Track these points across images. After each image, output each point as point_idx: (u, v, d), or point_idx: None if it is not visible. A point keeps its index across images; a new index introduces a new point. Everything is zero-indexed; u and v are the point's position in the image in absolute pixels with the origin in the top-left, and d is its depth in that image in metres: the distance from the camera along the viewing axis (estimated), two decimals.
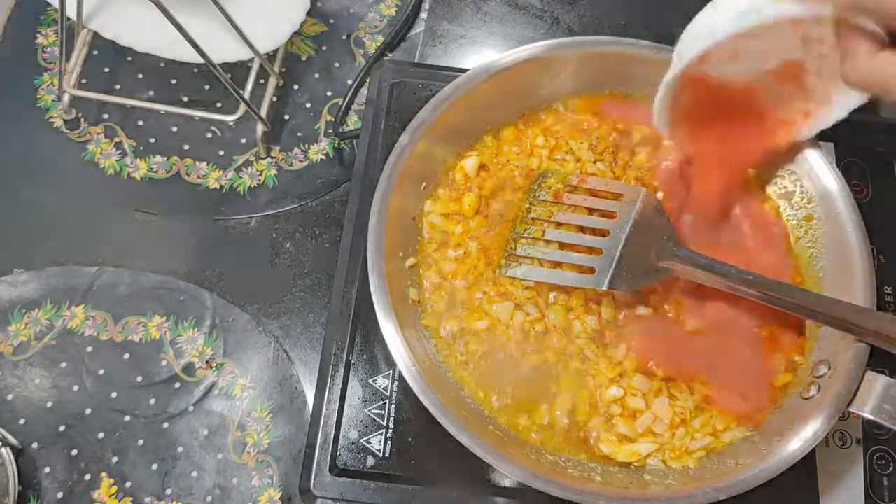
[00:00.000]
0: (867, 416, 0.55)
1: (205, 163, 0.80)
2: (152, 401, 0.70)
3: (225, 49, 0.73)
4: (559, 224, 0.63)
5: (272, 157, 0.81)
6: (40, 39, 0.84)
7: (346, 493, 0.60)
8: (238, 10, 0.72)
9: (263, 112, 0.78)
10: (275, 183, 0.79)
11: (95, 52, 0.82)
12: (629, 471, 0.59)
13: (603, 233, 0.62)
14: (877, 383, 0.56)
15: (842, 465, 0.63)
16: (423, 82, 0.73)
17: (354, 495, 0.60)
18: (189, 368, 0.71)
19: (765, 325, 0.63)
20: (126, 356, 0.71)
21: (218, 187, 0.79)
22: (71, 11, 0.71)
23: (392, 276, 0.61)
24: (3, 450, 0.64)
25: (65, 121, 0.80)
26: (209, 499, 0.67)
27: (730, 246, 0.65)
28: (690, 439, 0.59)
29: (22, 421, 0.69)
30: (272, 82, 0.79)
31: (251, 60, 0.77)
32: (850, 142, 0.74)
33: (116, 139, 0.80)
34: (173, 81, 0.83)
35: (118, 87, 0.82)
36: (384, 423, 0.63)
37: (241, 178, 0.79)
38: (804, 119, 0.62)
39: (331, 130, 0.82)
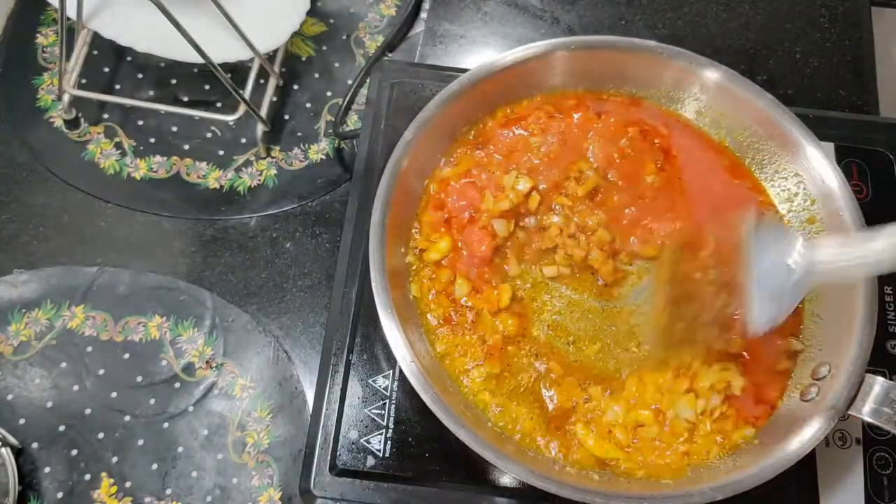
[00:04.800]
0: (865, 418, 0.56)
1: (205, 163, 0.80)
2: (152, 401, 0.70)
3: (225, 49, 0.73)
4: None
5: (272, 157, 0.81)
6: (40, 39, 0.84)
7: (346, 493, 0.60)
8: (238, 10, 0.72)
9: (263, 112, 0.78)
10: (275, 183, 0.79)
11: (95, 52, 0.82)
12: (628, 470, 0.59)
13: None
14: (876, 386, 0.56)
15: (842, 465, 0.63)
16: (423, 82, 0.73)
17: (354, 495, 0.60)
18: (189, 368, 0.71)
19: None
20: (126, 356, 0.71)
21: (218, 187, 0.79)
22: (71, 11, 0.71)
23: (393, 272, 0.61)
24: (3, 450, 0.64)
25: (65, 121, 0.80)
26: (209, 499, 0.67)
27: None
28: (698, 440, 0.60)
29: (22, 421, 0.69)
30: (272, 82, 0.79)
31: (251, 60, 0.77)
32: (850, 142, 0.74)
33: (116, 139, 0.80)
34: (173, 81, 0.83)
35: (118, 87, 0.82)
36: (384, 423, 0.63)
37: (241, 178, 0.79)
38: None
39: (331, 130, 0.82)
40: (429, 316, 0.63)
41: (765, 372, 0.62)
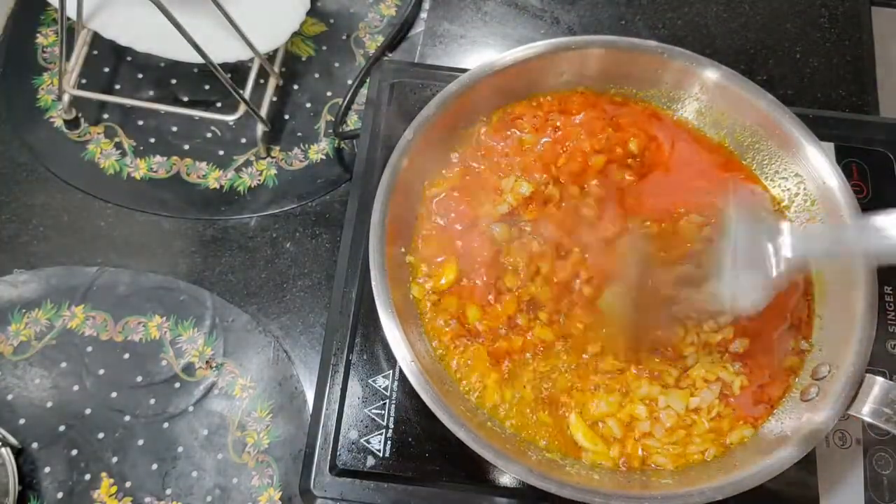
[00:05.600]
0: (865, 418, 0.56)
1: (205, 163, 0.80)
2: (152, 401, 0.70)
3: (225, 49, 0.73)
4: None
5: (272, 157, 0.81)
6: (40, 39, 0.84)
7: (346, 493, 0.60)
8: (238, 10, 0.72)
9: (263, 112, 0.78)
10: (275, 183, 0.79)
11: (95, 52, 0.82)
12: (627, 470, 0.59)
13: None
14: (875, 386, 0.56)
15: (842, 465, 0.63)
16: (423, 82, 0.73)
17: (354, 495, 0.60)
18: (189, 368, 0.71)
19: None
20: (126, 356, 0.71)
21: (218, 187, 0.79)
22: (71, 11, 0.71)
23: (393, 271, 0.61)
24: (3, 450, 0.64)
25: (65, 121, 0.80)
26: (209, 499, 0.67)
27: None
28: (696, 440, 0.60)
29: (22, 421, 0.69)
30: (272, 82, 0.79)
31: (251, 60, 0.77)
32: (850, 142, 0.74)
33: (116, 139, 0.80)
34: (173, 81, 0.83)
35: (118, 87, 0.82)
36: (384, 423, 0.63)
37: (241, 178, 0.79)
38: None
39: (331, 130, 0.82)
40: (435, 341, 0.63)
41: (770, 371, 0.62)
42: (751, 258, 0.56)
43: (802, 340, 0.63)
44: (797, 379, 0.61)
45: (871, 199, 0.72)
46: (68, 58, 0.78)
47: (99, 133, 0.80)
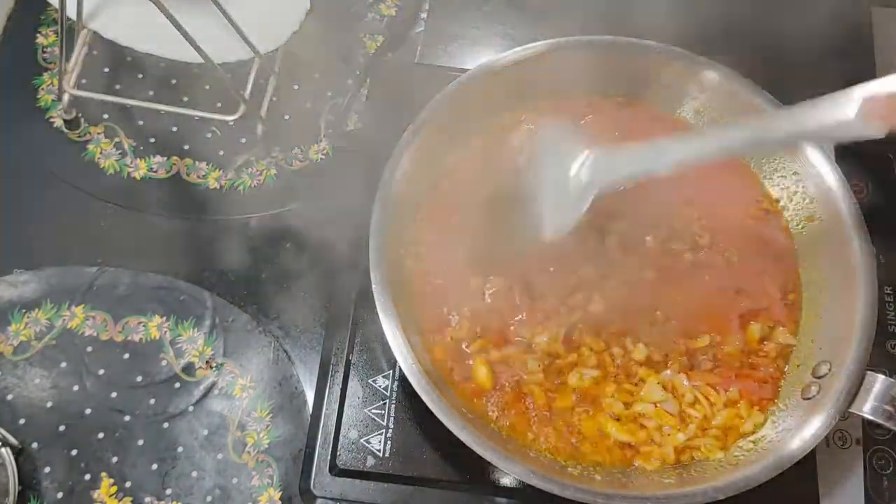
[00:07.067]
0: (867, 416, 0.56)
1: (205, 163, 0.80)
2: (152, 401, 0.70)
3: (225, 49, 0.73)
4: None
5: (272, 157, 0.81)
6: (40, 39, 0.84)
7: (346, 493, 0.61)
8: (238, 10, 0.72)
9: (263, 112, 0.78)
10: (275, 183, 0.79)
11: (95, 52, 0.82)
12: (628, 470, 0.59)
13: None
14: (876, 383, 0.56)
15: (842, 465, 0.63)
16: (423, 82, 0.73)
17: (354, 495, 0.61)
18: (189, 368, 0.71)
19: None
20: (126, 356, 0.71)
21: (218, 187, 0.79)
22: (71, 11, 0.71)
23: (393, 272, 0.61)
24: (3, 450, 0.65)
25: (65, 121, 0.80)
26: (209, 499, 0.67)
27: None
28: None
29: (22, 421, 0.69)
30: (272, 82, 0.79)
31: (251, 60, 0.77)
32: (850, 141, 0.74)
33: (116, 139, 0.80)
34: (173, 81, 0.83)
35: (118, 87, 0.82)
36: (384, 423, 0.63)
37: (241, 178, 0.79)
38: None
39: (331, 130, 0.82)
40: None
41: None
42: (556, 190, 0.58)
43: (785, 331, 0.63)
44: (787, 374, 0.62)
45: (870, 198, 0.72)
46: (68, 58, 0.78)
47: (99, 133, 0.80)
